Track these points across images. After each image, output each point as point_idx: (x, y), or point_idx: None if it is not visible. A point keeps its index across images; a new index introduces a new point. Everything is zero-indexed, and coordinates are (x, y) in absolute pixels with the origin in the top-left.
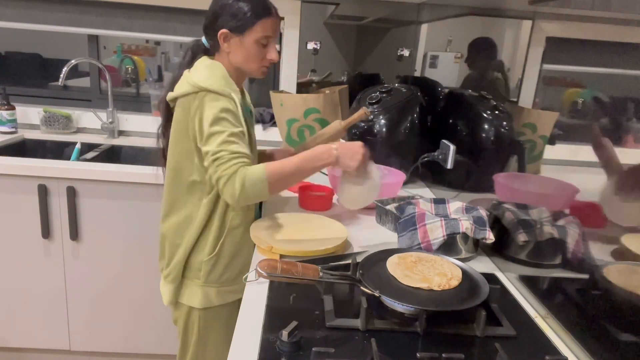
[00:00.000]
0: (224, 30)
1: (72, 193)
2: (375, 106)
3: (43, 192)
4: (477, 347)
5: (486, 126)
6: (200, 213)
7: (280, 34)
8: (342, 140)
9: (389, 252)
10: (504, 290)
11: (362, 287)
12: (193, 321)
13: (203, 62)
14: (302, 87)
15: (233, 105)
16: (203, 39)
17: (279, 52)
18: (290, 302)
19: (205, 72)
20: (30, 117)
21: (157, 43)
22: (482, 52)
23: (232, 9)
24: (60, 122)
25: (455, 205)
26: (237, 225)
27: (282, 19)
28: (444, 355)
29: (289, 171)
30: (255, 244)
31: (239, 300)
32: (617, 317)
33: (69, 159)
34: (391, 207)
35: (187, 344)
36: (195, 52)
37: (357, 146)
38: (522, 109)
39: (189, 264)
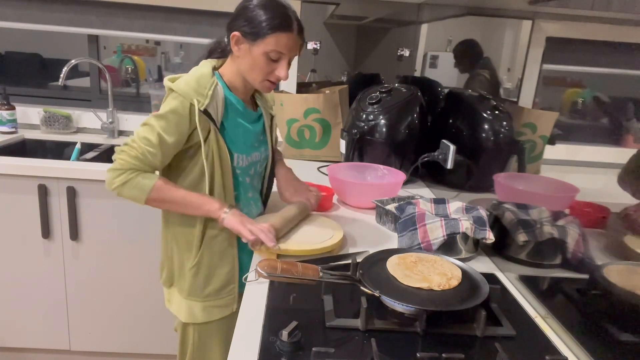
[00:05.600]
0: (235, 33)
1: (72, 193)
2: (375, 106)
3: (43, 192)
4: (477, 347)
5: (486, 126)
6: (179, 216)
7: None
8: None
9: (389, 252)
10: (504, 290)
11: (362, 287)
12: (188, 335)
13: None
14: (302, 87)
15: (186, 111)
16: (225, 38)
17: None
18: (290, 302)
19: (187, 74)
20: (30, 117)
21: (157, 43)
22: (466, 55)
23: (250, 13)
24: (60, 122)
25: (455, 205)
26: (216, 235)
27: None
28: (444, 355)
29: (172, 200)
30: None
31: (234, 315)
32: (617, 317)
33: (69, 159)
34: (391, 207)
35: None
36: (212, 50)
37: (256, 229)
38: (522, 109)
39: (177, 271)
